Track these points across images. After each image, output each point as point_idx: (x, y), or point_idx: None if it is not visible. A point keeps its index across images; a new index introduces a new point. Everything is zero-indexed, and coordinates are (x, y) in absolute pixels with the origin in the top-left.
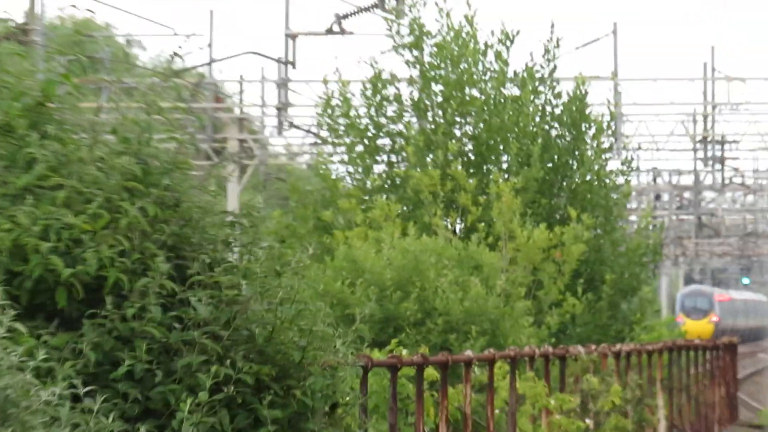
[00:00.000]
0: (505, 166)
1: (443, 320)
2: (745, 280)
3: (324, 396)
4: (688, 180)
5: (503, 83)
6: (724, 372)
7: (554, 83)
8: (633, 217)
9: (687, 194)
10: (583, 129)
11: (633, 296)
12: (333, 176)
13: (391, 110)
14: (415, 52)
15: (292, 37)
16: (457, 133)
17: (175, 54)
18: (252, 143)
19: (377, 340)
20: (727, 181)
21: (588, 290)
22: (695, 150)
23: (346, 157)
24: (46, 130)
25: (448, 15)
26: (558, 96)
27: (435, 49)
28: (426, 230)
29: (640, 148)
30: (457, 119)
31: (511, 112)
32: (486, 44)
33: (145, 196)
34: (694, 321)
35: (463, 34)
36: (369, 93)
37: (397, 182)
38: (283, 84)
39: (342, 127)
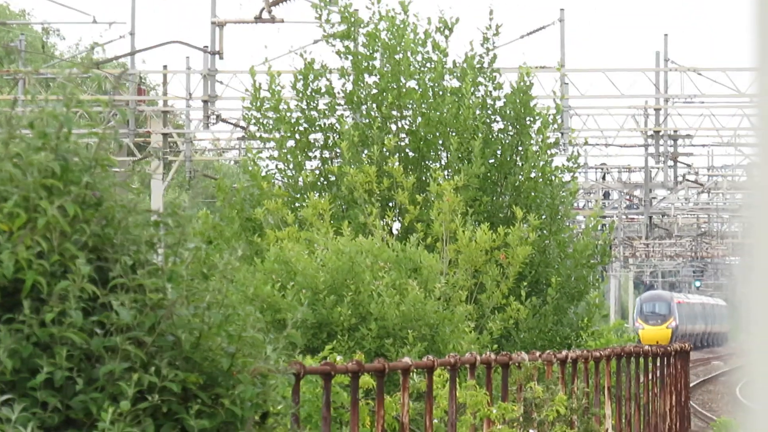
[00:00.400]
0: (444, 162)
1: (378, 325)
2: (696, 284)
3: (254, 405)
4: (638, 177)
5: (442, 75)
6: (676, 380)
7: (494, 74)
8: (580, 217)
9: (637, 192)
10: (528, 123)
11: (580, 300)
12: (263, 173)
13: (323, 103)
14: (347, 42)
15: (219, 25)
16: (394, 127)
17: (95, 43)
18: (177, 138)
19: (310, 347)
20: (679, 179)
21: (532, 294)
22: (646, 145)
23: (276, 153)
24: None
25: (379, 1)
26: (499, 87)
27: (367, 38)
28: (361, 230)
29: (587, 143)
30: (394, 113)
31: (450, 105)
32: (425, 32)
33: (65, 195)
34: (652, 327)
35: (398, 22)
36: (300, 85)
37: (331, 179)
38: (209, 75)
39: (271, 122)
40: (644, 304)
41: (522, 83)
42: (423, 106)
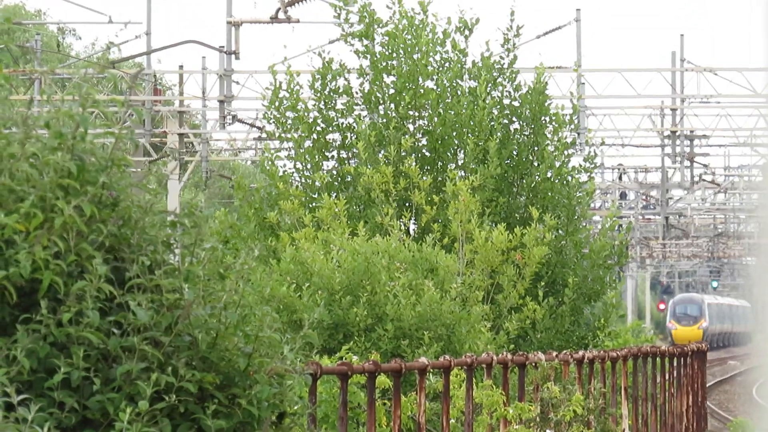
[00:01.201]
0: (461, 162)
1: (395, 326)
2: (714, 284)
3: (271, 405)
4: (655, 177)
5: (460, 75)
6: (692, 380)
7: (514, 74)
8: (597, 217)
9: (654, 193)
10: (544, 123)
11: (597, 301)
12: (280, 173)
13: (340, 103)
14: (366, 42)
15: (235, 25)
16: (411, 127)
17: (111, 43)
18: (193, 138)
19: (326, 347)
20: (696, 179)
21: (549, 294)
22: (663, 146)
23: (293, 153)
24: None
25: (399, 1)
26: (518, 88)
27: (386, 38)
28: (378, 231)
29: (604, 143)
30: (411, 113)
31: (466, 106)
32: (444, 32)
33: (81, 195)
34: (684, 327)
35: (417, 22)
36: (318, 85)
37: (348, 180)
38: (225, 75)
39: (289, 121)
40: (677, 306)
41: (538, 83)
42: (440, 106)
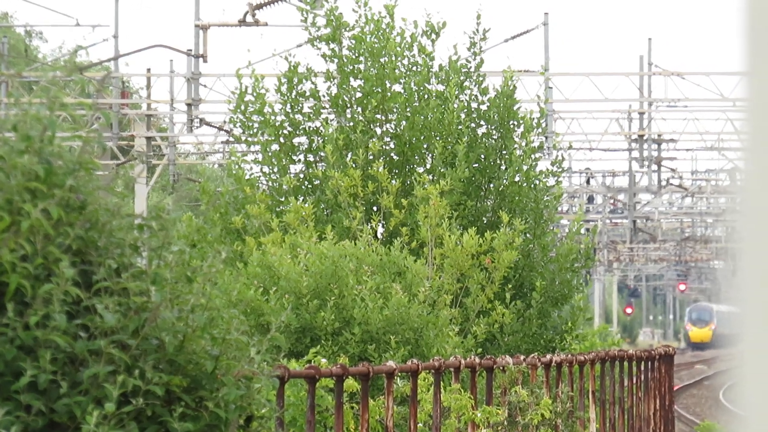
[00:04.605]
0: (429, 166)
1: (362, 330)
2: (681, 287)
3: (238, 408)
4: (622, 182)
5: (427, 78)
6: (660, 384)
7: (481, 78)
8: (564, 221)
9: (621, 197)
10: (512, 127)
11: (564, 304)
12: (247, 177)
13: (307, 107)
14: (333, 45)
15: (202, 28)
16: (378, 131)
17: (79, 46)
18: (160, 141)
19: (294, 351)
20: (663, 183)
21: (517, 298)
22: (630, 149)
23: (260, 157)
24: None
25: (366, 4)
26: (485, 92)
27: (353, 41)
28: (345, 234)
29: (571, 147)
30: (378, 116)
31: (434, 109)
32: (412, 36)
33: (49, 198)
34: (698, 329)
35: (383, 26)
36: (284, 88)
37: (315, 183)
38: (193, 78)
39: (256, 125)
40: (692, 311)
41: (506, 87)
42: (408, 109)
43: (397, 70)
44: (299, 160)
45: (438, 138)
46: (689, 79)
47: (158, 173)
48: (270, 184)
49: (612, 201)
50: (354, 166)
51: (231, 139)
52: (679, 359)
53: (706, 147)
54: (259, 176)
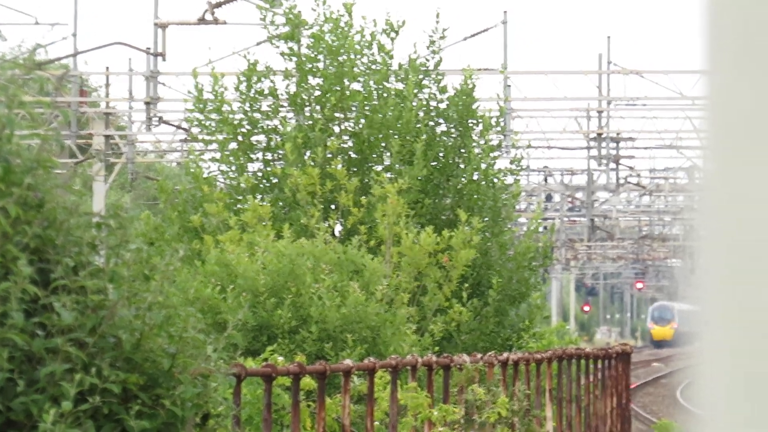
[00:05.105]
0: (387, 164)
1: (319, 328)
2: (639, 285)
3: (194, 406)
4: (580, 180)
5: (386, 77)
6: (617, 382)
7: (440, 76)
8: (522, 219)
9: (579, 195)
10: (470, 125)
11: (521, 302)
12: (205, 175)
13: (266, 105)
14: (291, 44)
15: (161, 26)
16: (337, 129)
17: (38, 44)
18: (119, 140)
19: (251, 349)
20: (621, 181)
21: (474, 296)
22: (589, 148)
23: (218, 155)
24: None
25: (324, 3)
26: (444, 90)
27: (312, 40)
28: (303, 233)
29: (530, 146)
30: (337, 115)
31: (393, 108)
32: (371, 34)
33: (6, 196)
34: (660, 327)
35: (342, 24)
36: (243, 87)
37: (273, 181)
38: (152, 77)
39: (214, 123)
40: (654, 310)
41: (465, 85)
42: (366, 108)
43: (356, 69)
44: (257, 159)
45: (396, 136)
46: (648, 77)
47: (116, 172)
48: (228, 182)
49: (570, 199)
50: (312, 164)
51: (189, 137)
52: (636, 357)
53: (664, 145)
54: (217, 175)
